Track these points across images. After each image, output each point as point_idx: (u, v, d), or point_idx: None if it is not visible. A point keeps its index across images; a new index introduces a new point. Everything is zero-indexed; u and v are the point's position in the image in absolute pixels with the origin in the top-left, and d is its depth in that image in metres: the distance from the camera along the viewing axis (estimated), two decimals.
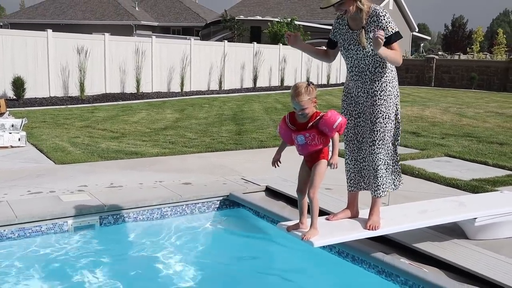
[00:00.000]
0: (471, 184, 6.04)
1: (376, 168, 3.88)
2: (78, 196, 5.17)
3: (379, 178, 3.89)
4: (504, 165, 7.19)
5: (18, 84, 14.27)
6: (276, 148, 3.81)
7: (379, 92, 3.80)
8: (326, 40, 4.12)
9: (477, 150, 8.47)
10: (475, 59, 35.81)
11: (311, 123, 3.52)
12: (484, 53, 44.35)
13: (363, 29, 3.74)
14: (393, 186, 4.05)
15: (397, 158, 4.03)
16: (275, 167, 3.76)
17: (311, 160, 3.63)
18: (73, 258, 4.28)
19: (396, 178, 4.07)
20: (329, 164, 3.53)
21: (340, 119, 3.51)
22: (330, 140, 3.56)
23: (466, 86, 28.38)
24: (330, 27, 4.21)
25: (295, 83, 3.65)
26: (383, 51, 3.56)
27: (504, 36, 44.59)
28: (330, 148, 3.60)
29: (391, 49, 3.68)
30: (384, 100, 3.80)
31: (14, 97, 14.32)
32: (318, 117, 3.52)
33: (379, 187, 3.91)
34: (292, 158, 4.01)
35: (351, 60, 3.86)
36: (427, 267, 3.70)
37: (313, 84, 3.53)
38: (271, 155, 3.79)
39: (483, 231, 4.23)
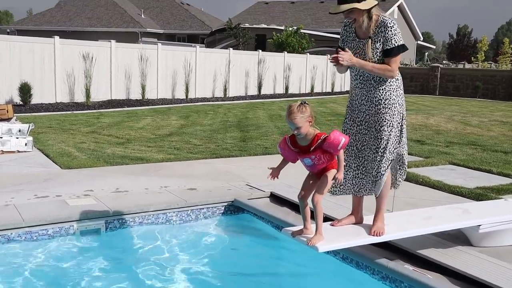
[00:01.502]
0: (475, 192, 6.04)
1: (376, 175, 3.91)
2: (84, 200, 5.22)
3: (378, 185, 3.92)
4: (508, 174, 7.19)
5: (25, 90, 14.38)
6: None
7: (383, 100, 3.82)
8: (331, 48, 4.16)
9: (482, 158, 8.47)
10: (480, 68, 35.80)
11: (314, 146, 3.56)
12: (489, 62, 44.27)
13: (370, 39, 3.77)
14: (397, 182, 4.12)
15: (404, 166, 4.06)
16: (272, 179, 3.75)
17: (320, 172, 3.67)
18: (78, 262, 4.31)
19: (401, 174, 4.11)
20: (334, 179, 3.58)
21: (343, 140, 3.53)
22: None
23: (470, 95, 28.37)
24: (334, 36, 4.23)
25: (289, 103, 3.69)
26: (361, 66, 3.70)
27: (510, 45, 44.36)
28: None
29: (390, 62, 3.74)
30: (389, 108, 3.83)
31: (21, 103, 14.42)
32: (321, 139, 3.54)
33: (377, 192, 3.95)
34: (296, 165, 4.04)
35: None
36: (431, 273, 3.72)
37: (307, 104, 3.55)
38: (276, 161, 3.80)
39: (487, 238, 4.24)
